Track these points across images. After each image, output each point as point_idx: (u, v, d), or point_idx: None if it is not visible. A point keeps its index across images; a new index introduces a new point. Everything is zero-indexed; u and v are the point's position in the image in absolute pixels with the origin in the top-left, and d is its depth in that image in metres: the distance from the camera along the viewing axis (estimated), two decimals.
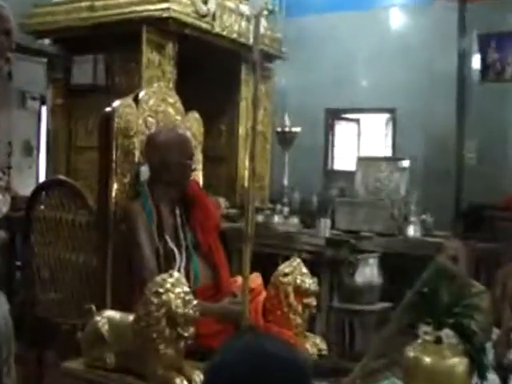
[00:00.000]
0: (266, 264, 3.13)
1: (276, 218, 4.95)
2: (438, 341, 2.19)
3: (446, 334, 2.19)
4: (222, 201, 5.65)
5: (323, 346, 2.89)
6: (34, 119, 8.91)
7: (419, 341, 2.26)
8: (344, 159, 8.57)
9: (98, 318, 2.55)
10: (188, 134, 3.06)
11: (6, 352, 2.71)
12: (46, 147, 6.10)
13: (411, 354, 2.23)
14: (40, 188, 3.76)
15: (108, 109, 2.99)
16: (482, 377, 2.22)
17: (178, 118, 3.29)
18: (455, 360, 2.17)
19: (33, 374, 3.76)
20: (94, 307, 2.63)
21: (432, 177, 7.59)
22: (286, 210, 5.11)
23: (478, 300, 2.79)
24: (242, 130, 6.11)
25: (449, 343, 2.19)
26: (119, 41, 5.25)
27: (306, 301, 2.86)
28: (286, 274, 2.89)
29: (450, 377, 2.15)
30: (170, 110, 3.26)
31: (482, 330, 2.40)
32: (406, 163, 5.40)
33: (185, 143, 2.95)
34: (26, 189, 3.96)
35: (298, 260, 2.98)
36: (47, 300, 3.68)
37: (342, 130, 8.84)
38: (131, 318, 2.47)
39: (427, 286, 2.28)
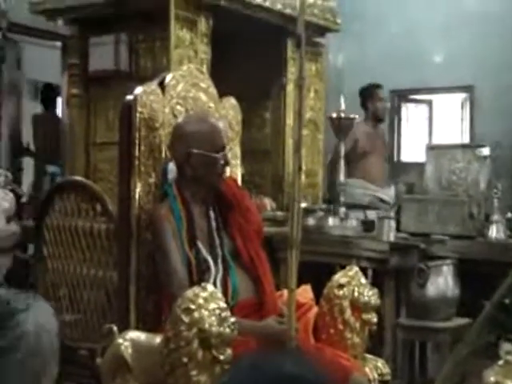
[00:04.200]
0: (320, 275, 3.13)
1: (331, 221, 4.91)
2: None
3: None
4: (269, 202, 5.65)
5: (386, 370, 2.88)
6: None
7: (501, 362, 2.21)
8: (413, 149, 8.48)
9: (120, 341, 2.58)
10: (221, 123, 3.07)
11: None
12: None
13: (491, 379, 2.18)
14: (53, 191, 3.81)
15: (129, 97, 3.02)
16: None
17: (212, 105, 3.31)
18: None
19: None
20: (115, 328, 2.66)
21: None
22: (343, 210, 5.07)
23: None
24: (289, 119, 6.09)
25: None
26: (143, 17, 5.28)
27: (365, 317, 2.85)
28: (340, 286, 2.88)
29: None
30: (202, 96, 3.28)
31: None
32: (486, 151, 5.31)
33: (213, 133, 2.95)
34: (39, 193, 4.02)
35: (356, 269, 2.97)
36: (62, 322, 3.73)
37: (410, 114, 8.76)
38: (158, 339, 2.49)
39: (510, 295, 2.25)
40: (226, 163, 2.99)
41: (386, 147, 6.68)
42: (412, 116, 8.78)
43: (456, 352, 2.39)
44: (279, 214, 5.41)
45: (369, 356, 2.94)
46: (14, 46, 7.38)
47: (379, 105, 6.31)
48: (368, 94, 6.34)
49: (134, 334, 2.63)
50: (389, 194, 6.00)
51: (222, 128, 3.05)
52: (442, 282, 4.41)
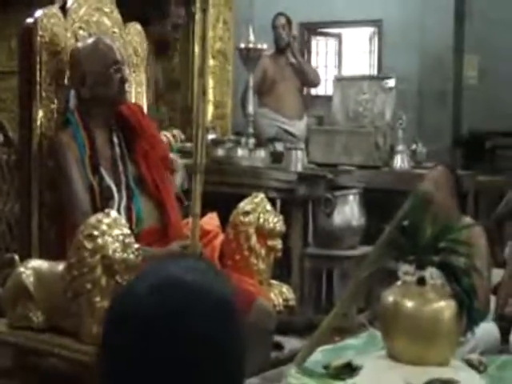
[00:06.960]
0: (229, 205, 3.12)
1: (240, 152, 4.87)
2: (421, 282, 2.19)
3: (431, 273, 2.19)
4: (178, 133, 5.58)
5: (291, 295, 2.91)
6: None
7: (399, 283, 2.26)
8: (322, 82, 8.53)
9: (21, 269, 2.54)
10: (117, 43, 3.01)
11: None
12: None
13: (390, 298, 2.23)
14: None
15: (29, 20, 2.93)
16: (472, 322, 2.24)
17: (116, 30, 3.24)
18: (441, 303, 2.19)
19: None
20: (16, 256, 2.61)
21: (426, 100, 7.60)
22: (252, 141, 5.03)
23: (468, 234, 2.83)
24: (198, 49, 6.01)
25: (433, 284, 2.19)
26: None
27: (270, 243, 2.87)
28: (246, 213, 2.89)
29: (436, 323, 2.17)
30: (106, 20, 3.21)
31: (474, 270, 2.41)
32: (392, 82, 5.37)
33: (104, 50, 2.90)
34: None
35: (261, 196, 2.99)
36: None
37: (320, 47, 8.78)
38: (61, 267, 2.47)
39: (408, 218, 2.29)
40: (123, 79, 2.92)
41: (298, 78, 6.56)
42: (321, 50, 8.80)
43: (357, 275, 2.43)
44: (188, 145, 5.35)
45: (274, 282, 2.97)
46: None
47: (275, 33, 6.27)
48: (272, 23, 6.31)
49: (36, 263, 2.59)
50: (299, 126, 5.99)
51: (112, 45, 2.97)
52: (348, 211, 4.46)
